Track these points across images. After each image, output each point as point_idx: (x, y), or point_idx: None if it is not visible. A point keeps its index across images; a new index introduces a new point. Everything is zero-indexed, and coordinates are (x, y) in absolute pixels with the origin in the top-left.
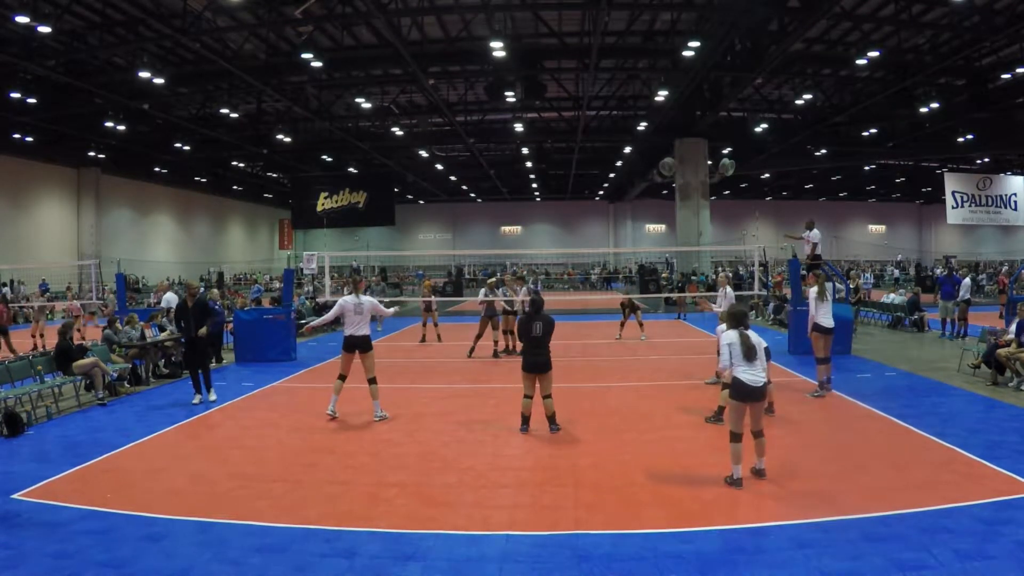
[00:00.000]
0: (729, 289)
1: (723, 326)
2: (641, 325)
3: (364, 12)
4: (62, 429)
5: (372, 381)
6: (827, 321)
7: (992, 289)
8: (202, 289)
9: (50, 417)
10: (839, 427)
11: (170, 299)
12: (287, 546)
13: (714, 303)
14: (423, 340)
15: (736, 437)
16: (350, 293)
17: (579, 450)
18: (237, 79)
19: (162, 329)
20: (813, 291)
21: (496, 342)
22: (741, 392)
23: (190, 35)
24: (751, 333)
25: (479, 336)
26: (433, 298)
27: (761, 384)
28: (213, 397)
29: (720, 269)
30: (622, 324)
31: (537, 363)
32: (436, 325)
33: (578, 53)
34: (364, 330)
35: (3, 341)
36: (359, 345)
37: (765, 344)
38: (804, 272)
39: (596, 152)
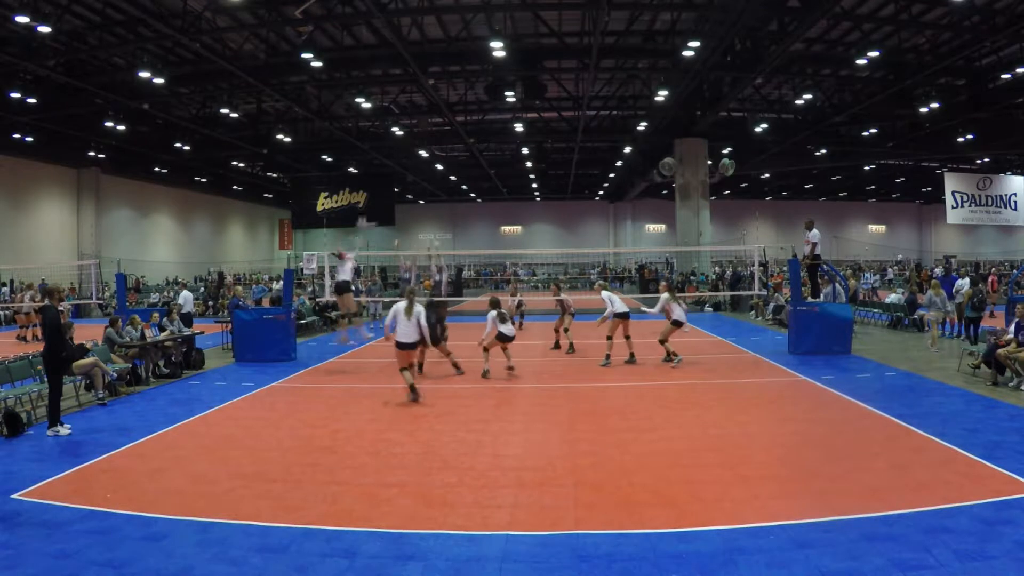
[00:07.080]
0: (607, 293)
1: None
2: None
3: (364, 12)
4: None
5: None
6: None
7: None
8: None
9: None
10: (839, 427)
11: (187, 296)
12: (287, 546)
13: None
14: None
15: (402, 371)
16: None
17: (579, 450)
18: (237, 79)
19: (162, 329)
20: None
21: (571, 340)
22: (400, 345)
23: (190, 35)
24: (416, 305)
25: (564, 329)
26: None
27: (413, 341)
28: (54, 432)
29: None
30: None
31: None
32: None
33: (578, 53)
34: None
35: None
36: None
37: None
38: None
39: (596, 152)
